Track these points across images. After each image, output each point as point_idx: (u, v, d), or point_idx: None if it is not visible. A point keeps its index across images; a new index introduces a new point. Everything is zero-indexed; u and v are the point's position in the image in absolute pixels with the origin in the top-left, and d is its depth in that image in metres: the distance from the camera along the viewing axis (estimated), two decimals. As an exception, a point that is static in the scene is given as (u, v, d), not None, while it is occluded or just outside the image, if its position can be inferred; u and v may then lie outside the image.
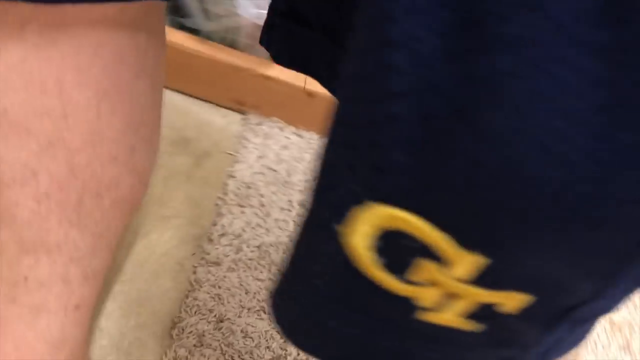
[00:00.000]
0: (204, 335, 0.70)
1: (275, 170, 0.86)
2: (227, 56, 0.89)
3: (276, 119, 0.91)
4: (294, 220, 0.83)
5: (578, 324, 0.26)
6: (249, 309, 0.73)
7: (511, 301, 0.22)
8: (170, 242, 0.77)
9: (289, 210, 0.82)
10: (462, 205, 0.19)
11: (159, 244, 0.76)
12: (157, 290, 0.72)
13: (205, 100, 0.91)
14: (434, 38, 0.17)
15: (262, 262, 0.77)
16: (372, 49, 0.18)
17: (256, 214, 0.81)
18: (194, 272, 0.74)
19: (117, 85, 0.33)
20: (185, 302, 0.72)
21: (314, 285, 0.24)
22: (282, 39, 0.32)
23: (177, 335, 0.70)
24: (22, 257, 0.40)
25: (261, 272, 0.76)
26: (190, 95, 0.92)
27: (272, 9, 0.33)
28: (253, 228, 0.80)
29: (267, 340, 0.72)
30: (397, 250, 0.21)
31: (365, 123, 0.20)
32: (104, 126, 0.34)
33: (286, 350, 0.71)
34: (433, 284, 0.22)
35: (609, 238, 0.20)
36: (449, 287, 0.22)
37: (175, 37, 0.89)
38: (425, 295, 0.22)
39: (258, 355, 0.70)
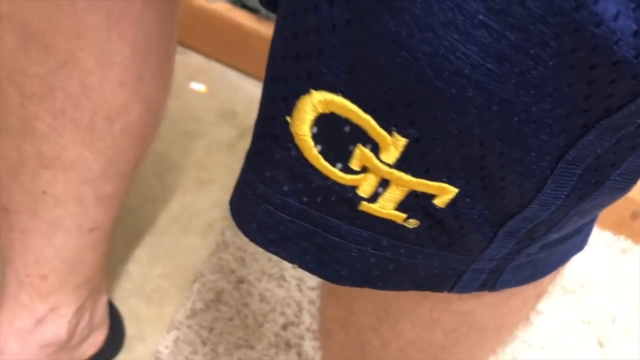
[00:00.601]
0: (222, 293, 0.73)
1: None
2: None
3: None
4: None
5: (523, 245, 0.27)
6: (269, 275, 0.76)
7: (439, 192, 0.23)
8: (204, 204, 0.80)
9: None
10: (381, 85, 0.21)
11: (194, 204, 0.80)
12: (185, 246, 0.76)
13: (259, 78, 0.95)
14: None
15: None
16: None
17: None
18: (223, 234, 0.78)
19: (125, 12, 0.37)
20: (210, 261, 0.76)
21: (275, 181, 0.25)
22: None
23: (197, 289, 0.73)
24: (41, 171, 0.44)
25: (286, 242, 0.79)
26: (245, 72, 0.95)
27: None
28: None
29: (282, 307, 0.74)
30: (335, 135, 0.23)
31: (302, 10, 0.21)
32: (114, 50, 0.38)
33: (300, 318, 0.73)
34: (369, 170, 0.23)
35: (525, 131, 0.21)
36: (381, 172, 0.23)
37: (235, 14, 0.93)
38: (364, 184, 0.24)
39: (272, 319, 0.73)
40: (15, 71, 0.40)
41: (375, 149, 0.22)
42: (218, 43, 0.95)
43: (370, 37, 0.20)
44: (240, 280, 0.75)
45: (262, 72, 0.94)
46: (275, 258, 0.79)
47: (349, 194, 0.24)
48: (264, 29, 0.93)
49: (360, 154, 0.23)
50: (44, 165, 0.43)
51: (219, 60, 0.96)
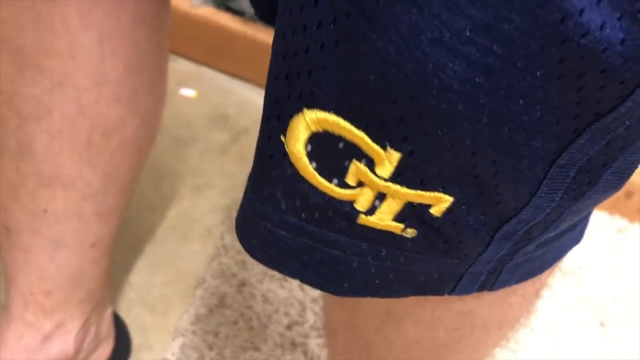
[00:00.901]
0: (225, 297, 0.74)
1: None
2: (271, 38, 0.92)
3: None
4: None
5: (520, 245, 0.27)
6: (271, 276, 0.76)
7: (434, 202, 0.24)
8: (201, 209, 0.81)
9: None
10: (372, 102, 0.21)
11: (191, 210, 0.80)
12: (185, 253, 0.77)
13: (248, 81, 0.95)
14: None
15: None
16: None
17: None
18: (222, 238, 0.78)
19: (117, 29, 0.37)
20: (210, 266, 0.76)
21: (273, 199, 0.26)
22: None
23: (200, 295, 0.74)
24: (41, 190, 0.44)
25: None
26: (234, 75, 0.96)
27: None
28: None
29: (285, 307, 0.74)
30: (330, 152, 0.23)
31: (290, 31, 0.22)
32: (108, 67, 0.38)
33: (303, 317, 0.74)
34: (365, 184, 0.23)
35: (517, 139, 0.21)
36: (378, 186, 0.23)
37: (221, 18, 0.93)
38: (361, 198, 0.24)
39: (276, 320, 0.73)
40: (11, 93, 0.40)
41: (370, 163, 0.23)
42: (205, 47, 0.95)
43: (360, 56, 0.20)
44: (242, 283, 0.75)
45: (251, 74, 0.95)
46: (275, 259, 0.80)
47: (347, 209, 0.25)
48: (250, 30, 0.93)
49: (356, 169, 0.23)
50: (43, 184, 0.44)
51: (207, 64, 0.96)
